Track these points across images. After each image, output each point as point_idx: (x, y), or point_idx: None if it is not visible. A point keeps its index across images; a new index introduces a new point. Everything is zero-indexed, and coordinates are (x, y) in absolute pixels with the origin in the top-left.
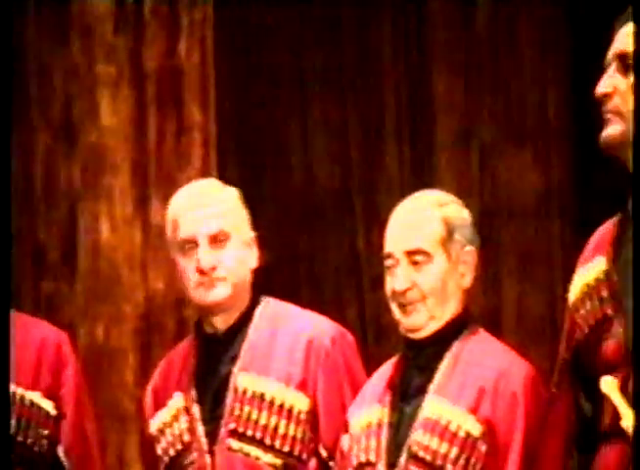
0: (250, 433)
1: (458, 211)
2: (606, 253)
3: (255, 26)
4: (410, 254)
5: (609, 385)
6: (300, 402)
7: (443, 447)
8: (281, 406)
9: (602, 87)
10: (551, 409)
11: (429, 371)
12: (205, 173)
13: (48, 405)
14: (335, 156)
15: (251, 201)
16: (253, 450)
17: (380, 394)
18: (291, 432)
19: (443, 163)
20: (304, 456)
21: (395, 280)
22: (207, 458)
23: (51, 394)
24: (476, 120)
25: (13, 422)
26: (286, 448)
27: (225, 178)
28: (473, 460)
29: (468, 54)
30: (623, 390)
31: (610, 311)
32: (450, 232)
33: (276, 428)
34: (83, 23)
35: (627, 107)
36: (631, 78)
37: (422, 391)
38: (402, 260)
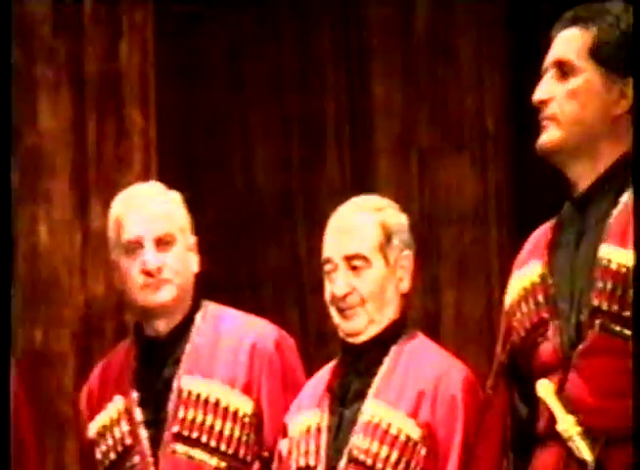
0: (194, 436)
1: (396, 216)
2: (541, 256)
3: (196, 29)
4: (349, 258)
5: (544, 388)
6: (245, 405)
7: (384, 451)
8: (226, 409)
9: (539, 94)
10: (487, 412)
11: (368, 375)
12: (145, 177)
13: None
14: (275, 160)
15: (191, 205)
16: (198, 454)
17: (319, 398)
18: (236, 434)
19: (383, 167)
20: (249, 459)
21: (335, 285)
22: (151, 462)
23: None
24: (414, 126)
25: None
26: (230, 451)
27: (165, 182)
28: (413, 464)
29: (406, 60)
30: (559, 393)
31: (545, 315)
32: (388, 237)
33: (221, 431)
34: (22, 24)
35: (564, 113)
36: (568, 85)
37: (361, 395)
38: (341, 265)
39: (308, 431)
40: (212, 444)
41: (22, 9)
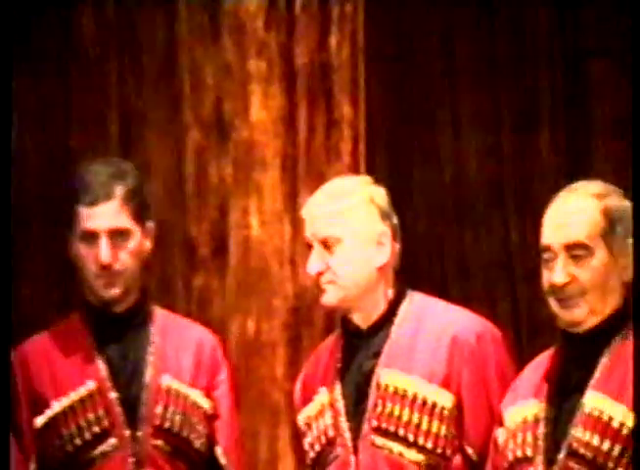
0: (392, 429)
1: (619, 202)
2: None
3: (405, 19)
4: (569, 247)
5: None
6: (444, 399)
7: (605, 445)
8: (424, 403)
9: None
10: None
11: (588, 366)
12: (354, 168)
13: (207, 404)
14: (486, 148)
15: (399, 195)
16: (397, 447)
17: (536, 388)
18: (434, 428)
19: (601, 153)
20: (448, 453)
21: (554, 274)
22: (352, 454)
23: (208, 394)
24: (632, 107)
25: (177, 418)
26: (429, 445)
27: (374, 173)
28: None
29: (625, 37)
30: None
31: None
32: (611, 224)
33: (419, 424)
34: (235, 19)
35: None
36: None
37: (581, 386)
38: (561, 254)
39: (525, 421)
40: (410, 437)
41: (234, 4)
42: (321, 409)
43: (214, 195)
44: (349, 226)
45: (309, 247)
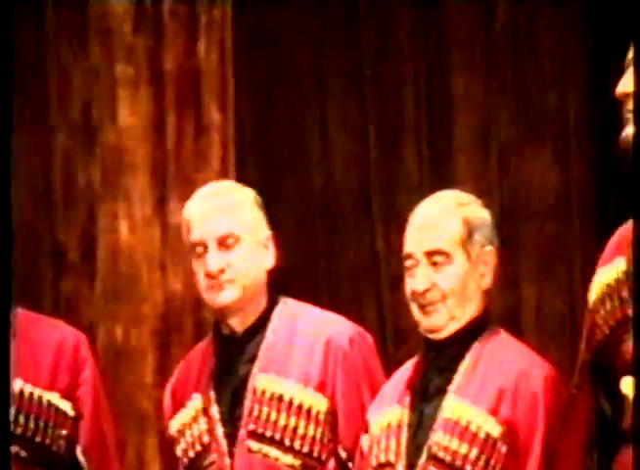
0: (269, 434)
1: (478, 212)
2: (626, 253)
3: (274, 26)
4: (430, 254)
5: (630, 385)
6: (319, 403)
7: (463, 448)
8: (300, 407)
9: (622, 87)
10: (571, 410)
11: (448, 372)
12: (223, 174)
13: (66, 406)
14: (354, 156)
15: (269, 201)
16: (273, 451)
17: (399, 394)
18: (310, 432)
19: (462, 162)
20: (323, 457)
21: (415, 281)
22: (227, 460)
23: (69, 395)
24: (495, 120)
25: (32, 423)
26: (305, 449)
27: (243, 179)
28: (493, 461)
29: (487, 54)
30: None
31: (630, 312)
32: (470, 232)
33: (295, 429)
34: (102, 23)
35: None
36: None
37: (441, 391)
38: (422, 261)
39: (389, 427)
40: (287, 442)
41: (101, 8)
42: (195, 415)
43: (83, 200)
44: (245, 224)
45: (194, 249)
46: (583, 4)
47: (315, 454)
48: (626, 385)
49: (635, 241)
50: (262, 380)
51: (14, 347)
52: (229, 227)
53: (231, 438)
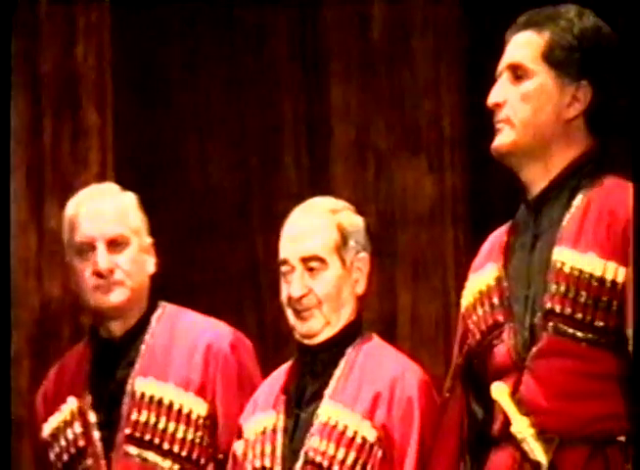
0: (147, 438)
1: (351, 218)
2: (497, 259)
3: (152, 29)
4: (305, 260)
5: (499, 390)
6: (199, 407)
7: (340, 453)
8: (179, 411)
9: (493, 97)
10: (444, 414)
11: (324, 377)
12: (101, 177)
13: None
14: (232, 161)
15: (148, 206)
16: (151, 456)
17: (274, 399)
18: (189, 436)
19: (340, 170)
20: (202, 461)
21: (291, 286)
22: (103, 464)
23: None
24: (372, 129)
25: None
26: (184, 453)
27: (122, 182)
28: (369, 466)
29: (363, 63)
30: (513, 395)
31: (500, 317)
32: (345, 239)
33: (174, 433)
34: None
35: (518, 116)
36: (521, 88)
37: (317, 397)
38: (298, 267)
39: (264, 432)
40: (165, 446)
41: None
42: (70, 419)
43: None
44: (133, 228)
45: (82, 249)
46: (459, 14)
47: (194, 458)
48: (496, 390)
49: (635, 242)
50: (141, 384)
51: None
52: (120, 229)
53: (108, 442)
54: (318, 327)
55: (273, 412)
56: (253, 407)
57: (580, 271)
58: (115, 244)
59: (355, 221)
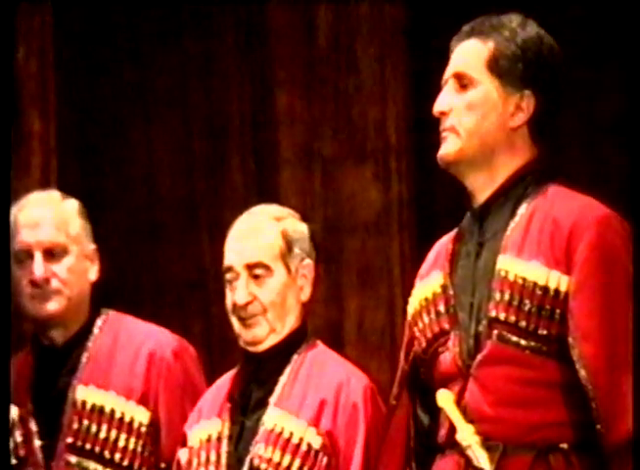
0: (88, 447)
1: (296, 225)
2: (442, 267)
3: (97, 33)
4: (250, 267)
5: (444, 398)
6: (141, 416)
7: (285, 460)
8: (121, 420)
9: (438, 105)
10: (390, 421)
11: (269, 384)
12: (44, 184)
13: None
14: (179, 167)
15: (92, 211)
16: (92, 465)
17: (219, 407)
18: (131, 445)
19: (287, 177)
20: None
21: (236, 293)
22: None
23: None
24: (318, 137)
25: None
26: (125, 462)
27: (65, 188)
28: None
29: (310, 70)
30: (458, 403)
31: (446, 325)
32: (289, 245)
33: (116, 441)
34: None
35: (462, 125)
36: (466, 97)
37: (262, 404)
38: (243, 274)
39: (209, 440)
40: (107, 455)
41: None
42: (11, 429)
43: None
44: (72, 235)
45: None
46: (405, 22)
47: (136, 467)
48: (441, 397)
49: (635, 242)
50: (82, 392)
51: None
52: (57, 237)
53: (49, 451)
54: (263, 334)
55: (218, 420)
56: (198, 415)
57: (524, 279)
58: (53, 252)
59: (300, 228)
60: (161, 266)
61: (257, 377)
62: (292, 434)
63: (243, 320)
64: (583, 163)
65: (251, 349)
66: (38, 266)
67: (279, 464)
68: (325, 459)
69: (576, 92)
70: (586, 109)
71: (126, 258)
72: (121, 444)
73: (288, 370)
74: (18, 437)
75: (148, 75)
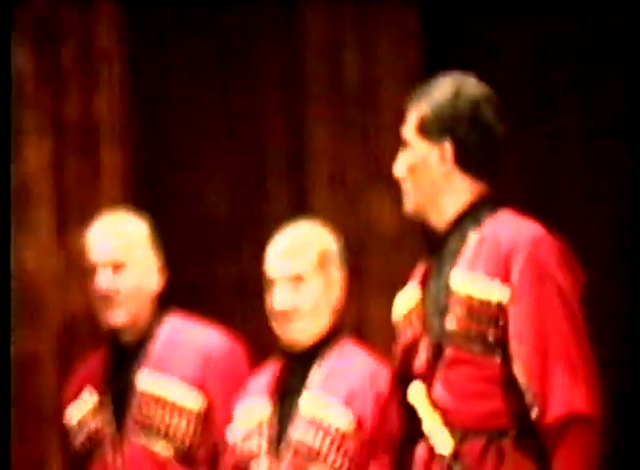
0: (153, 429)
1: (331, 240)
2: (420, 284)
3: (165, 82)
4: (289, 277)
5: (415, 393)
6: (196, 402)
7: (318, 441)
8: (180, 406)
9: (395, 169)
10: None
11: (305, 375)
12: (117, 204)
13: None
14: (227, 194)
15: (160, 231)
16: (158, 446)
17: (264, 393)
18: (184, 426)
19: (319, 199)
20: (196, 448)
21: (276, 301)
22: (114, 452)
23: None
24: (346, 165)
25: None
26: (187, 443)
27: (136, 209)
28: (344, 451)
29: (340, 108)
30: (428, 397)
31: (419, 333)
32: (324, 258)
33: (176, 424)
34: (10, 78)
35: (408, 185)
36: (408, 159)
37: (300, 392)
38: (282, 283)
39: (254, 422)
40: (169, 436)
41: (11, 65)
42: (91, 413)
43: None
44: (136, 252)
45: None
46: (423, 68)
47: (195, 447)
48: (412, 392)
49: (635, 242)
50: (147, 382)
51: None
52: (119, 254)
53: (118, 433)
54: (299, 337)
55: (262, 404)
56: (245, 399)
57: (471, 297)
58: (116, 267)
59: (334, 243)
60: (215, 276)
61: (295, 369)
62: (324, 418)
63: (281, 324)
64: (583, 163)
65: (290, 347)
66: (102, 281)
67: (313, 445)
68: (355, 441)
69: (577, 92)
70: (586, 109)
71: (186, 268)
72: (181, 426)
73: (322, 363)
74: (95, 421)
75: (200, 111)
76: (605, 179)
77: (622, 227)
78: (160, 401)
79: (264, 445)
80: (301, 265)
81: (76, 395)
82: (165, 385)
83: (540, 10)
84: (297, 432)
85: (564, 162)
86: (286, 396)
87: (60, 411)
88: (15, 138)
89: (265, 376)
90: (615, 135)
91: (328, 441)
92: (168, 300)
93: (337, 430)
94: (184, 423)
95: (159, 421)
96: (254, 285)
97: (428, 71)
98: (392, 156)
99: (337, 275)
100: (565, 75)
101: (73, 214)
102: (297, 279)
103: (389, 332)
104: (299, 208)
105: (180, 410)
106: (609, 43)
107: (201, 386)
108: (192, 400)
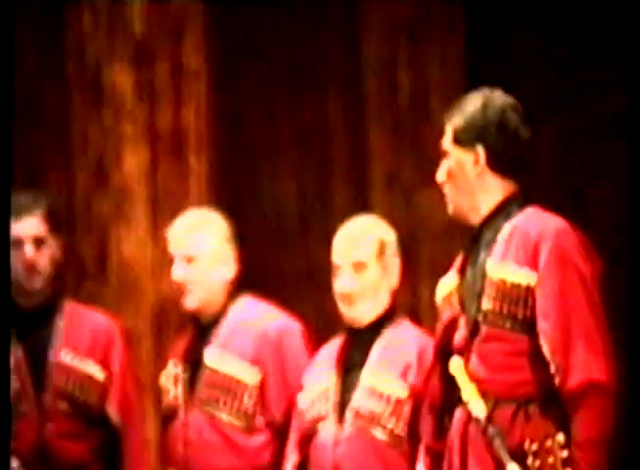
0: (216, 400)
1: (388, 232)
2: (458, 271)
3: (248, 93)
4: (353, 263)
5: (455, 366)
6: (253, 378)
7: (379, 407)
8: (238, 381)
9: (438, 177)
10: (429, 381)
11: (366, 350)
12: (199, 205)
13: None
14: (295, 190)
15: (239, 228)
16: (218, 413)
17: (330, 364)
18: (247, 399)
19: (377, 195)
20: (257, 418)
21: (341, 283)
22: (186, 419)
23: (103, 363)
24: (400, 167)
25: (70, 386)
26: (244, 412)
27: (213, 205)
28: (401, 416)
29: (395, 120)
30: (466, 369)
31: (458, 312)
32: (383, 248)
33: (237, 396)
34: (112, 95)
35: (449, 190)
36: (447, 168)
37: (362, 364)
38: (346, 268)
39: (321, 389)
40: (230, 406)
41: (111, 83)
42: (172, 383)
43: (97, 224)
44: (206, 245)
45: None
46: (467, 83)
47: (251, 415)
48: (453, 365)
49: (634, 242)
50: (213, 358)
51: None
52: (190, 249)
53: (190, 401)
54: (361, 314)
55: (328, 374)
56: (314, 369)
57: (504, 281)
58: (189, 260)
59: (391, 235)
60: (286, 264)
61: (358, 344)
62: (385, 387)
63: (346, 303)
64: (584, 162)
65: (353, 325)
66: (176, 271)
67: (374, 410)
68: (410, 407)
69: (577, 92)
70: (586, 109)
71: (261, 258)
72: (242, 398)
73: (380, 339)
74: (173, 391)
75: (275, 125)
76: (605, 179)
77: (622, 227)
78: (222, 376)
79: (330, 409)
80: (363, 253)
81: (167, 364)
82: (227, 361)
83: (543, 13)
84: (359, 399)
85: (564, 162)
86: (349, 367)
87: (155, 378)
88: (116, 146)
89: (331, 349)
90: (614, 135)
91: (386, 407)
92: (246, 285)
93: (394, 398)
94: (244, 395)
95: (223, 394)
96: (320, 272)
97: (469, 86)
98: (440, 159)
99: (393, 262)
100: (565, 76)
101: (165, 211)
102: (359, 265)
103: (437, 311)
104: (360, 204)
105: (240, 384)
106: (609, 43)
107: (257, 361)
108: (249, 376)
